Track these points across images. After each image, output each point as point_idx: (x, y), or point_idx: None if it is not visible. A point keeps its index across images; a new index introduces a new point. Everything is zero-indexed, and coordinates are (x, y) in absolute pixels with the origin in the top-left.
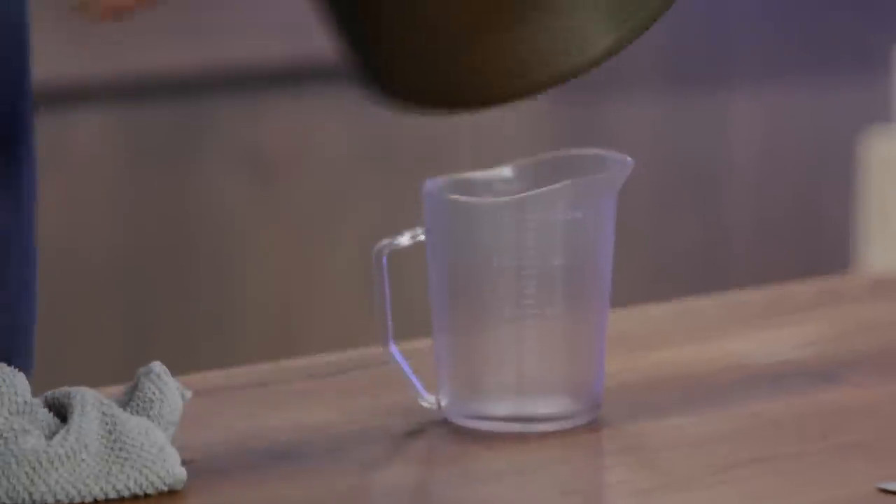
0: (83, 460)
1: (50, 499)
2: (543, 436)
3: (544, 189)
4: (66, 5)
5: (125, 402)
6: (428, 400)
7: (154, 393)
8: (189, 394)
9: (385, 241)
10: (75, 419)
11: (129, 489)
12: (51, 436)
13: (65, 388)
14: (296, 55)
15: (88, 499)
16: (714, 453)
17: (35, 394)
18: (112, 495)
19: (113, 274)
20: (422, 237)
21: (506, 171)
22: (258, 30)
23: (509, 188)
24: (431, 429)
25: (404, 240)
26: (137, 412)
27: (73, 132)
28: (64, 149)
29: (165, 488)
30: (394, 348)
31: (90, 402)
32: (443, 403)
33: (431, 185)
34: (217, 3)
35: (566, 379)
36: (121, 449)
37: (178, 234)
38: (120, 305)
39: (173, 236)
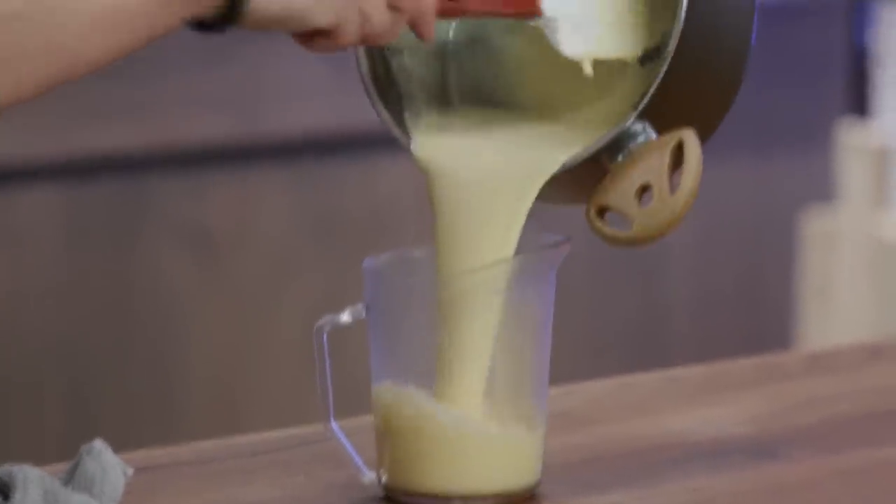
0: None
1: None
2: None
3: (482, 267)
4: None
5: (67, 480)
6: (368, 476)
7: (96, 470)
8: (131, 471)
9: (326, 318)
10: (17, 497)
11: None
12: None
13: (7, 467)
14: (237, 132)
15: None
16: None
17: None
18: None
19: (56, 351)
20: (363, 314)
21: None
22: (200, 107)
23: None
24: None
25: (345, 317)
26: (79, 490)
27: (15, 210)
28: (6, 227)
29: None
30: (335, 425)
31: (33, 480)
32: (383, 480)
33: (372, 262)
34: (159, 80)
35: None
36: None
37: (121, 311)
38: (63, 382)
39: (117, 313)
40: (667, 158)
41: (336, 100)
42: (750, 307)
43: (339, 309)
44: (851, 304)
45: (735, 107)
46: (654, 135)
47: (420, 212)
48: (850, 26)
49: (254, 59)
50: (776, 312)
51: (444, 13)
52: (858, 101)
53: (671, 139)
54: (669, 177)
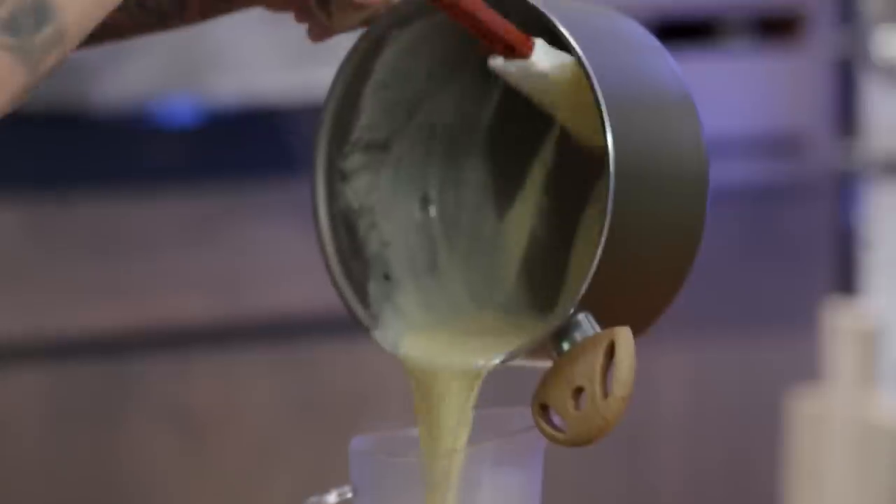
0: None
1: None
2: None
3: (471, 447)
4: None
5: None
6: None
7: None
8: None
9: (312, 500)
10: None
11: None
12: None
13: None
14: (221, 313)
15: None
16: None
17: None
18: None
19: None
20: (349, 495)
21: None
22: (183, 288)
23: None
24: None
25: (332, 498)
26: None
27: None
28: None
29: None
30: None
31: None
32: None
33: (358, 443)
34: (142, 261)
35: None
36: None
37: (106, 493)
38: None
39: (101, 495)
40: (600, 360)
41: (319, 281)
42: (737, 488)
43: (325, 490)
44: (839, 486)
45: (722, 287)
46: (593, 328)
47: (406, 392)
48: (836, 207)
49: (237, 241)
50: (764, 493)
51: None
52: (845, 282)
53: (603, 339)
54: (602, 380)
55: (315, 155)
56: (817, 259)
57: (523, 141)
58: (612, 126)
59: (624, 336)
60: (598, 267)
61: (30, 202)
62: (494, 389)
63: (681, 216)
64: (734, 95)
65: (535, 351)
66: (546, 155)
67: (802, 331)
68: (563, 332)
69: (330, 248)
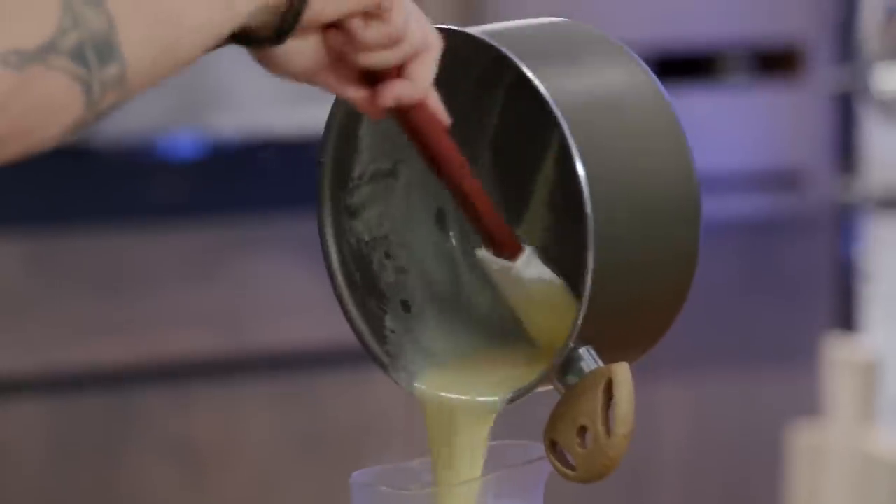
0: None
1: None
2: None
3: (471, 480)
4: None
5: None
6: None
7: None
8: None
9: None
10: None
11: None
12: None
13: None
14: (223, 347)
15: None
16: None
17: None
18: None
19: None
20: None
21: None
22: (186, 322)
23: None
24: None
25: None
26: None
27: (1, 423)
28: None
29: None
30: None
31: None
32: None
33: (359, 476)
34: (145, 297)
35: None
36: None
37: None
38: None
39: None
40: (599, 399)
41: (322, 315)
42: None
43: None
44: None
45: (722, 321)
46: (595, 361)
47: (409, 425)
48: (835, 241)
49: (239, 275)
50: None
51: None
52: (845, 316)
53: (601, 377)
54: (604, 418)
55: (320, 197)
56: (817, 293)
57: (525, 155)
58: (585, 167)
59: (622, 374)
60: (590, 304)
61: (32, 236)
62: (500, 422)
63: (672, 243)
64: (734, 130)
65: (545, 382)
66: (548, 171)
67: (802, 365)
68: (567, 366)
69: (343, 287)
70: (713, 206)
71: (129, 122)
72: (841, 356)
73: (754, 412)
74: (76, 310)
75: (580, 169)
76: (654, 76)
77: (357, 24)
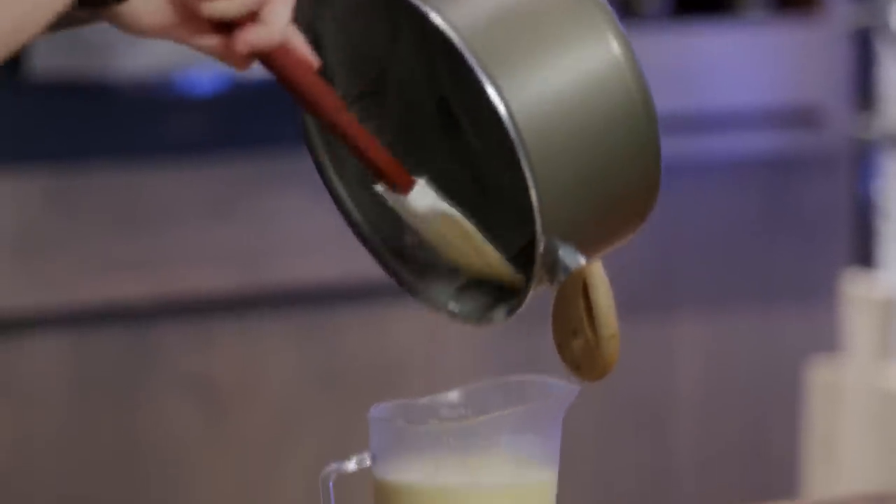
0: None
1: None
2: None
3: (490, 416)
4: (13, 236)
5: None
6: None
7: None
8: None
9: (332, 466)
10: None
11: None
12: None
13: None
14: (243, 283)
15: None
16: None
17: None
18: None
19: (62, 500)
20: (368, 462)
21: (452, 397)
22: (205, 259)
23: (455, 413)
24: None
25: (351, 465)
26: None
27: (22, 361)
28: (13, 377)
29: None
30: None
31: None
32: None
33: (377, 410)
34: (165, 233)
35: None
36: None
37: (127, 461)
38: None
39: (122, 463)
40: (580, 304)
41: (341, 251)
42: (755, 458)
43: (344, 458)
44: (856, 456)
45: (740, 259)
46: (575, 260)
47: (427, 362)
48: (854, 178)
49: (259, 211)
50: (781, 464)
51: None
52: (863, 253)
53: (578, 280)
54: (590, 323)
55: (310, 145)
56: (835, 230)
57: (468, 101)
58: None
59: (595, 275)
60: (539, 187)
61: (52, 174)
62: (514, 357)
63: (614, 111)
64: (751, 67)
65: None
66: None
67: (820, 302)
68: (553, 266)
69: (354, 211)
70: (730, 144)
71: (149, 59)
72: (859, 293)
73: (772, 349)
74: (96, 246)
75: (473, 63)
76: None
77: None
